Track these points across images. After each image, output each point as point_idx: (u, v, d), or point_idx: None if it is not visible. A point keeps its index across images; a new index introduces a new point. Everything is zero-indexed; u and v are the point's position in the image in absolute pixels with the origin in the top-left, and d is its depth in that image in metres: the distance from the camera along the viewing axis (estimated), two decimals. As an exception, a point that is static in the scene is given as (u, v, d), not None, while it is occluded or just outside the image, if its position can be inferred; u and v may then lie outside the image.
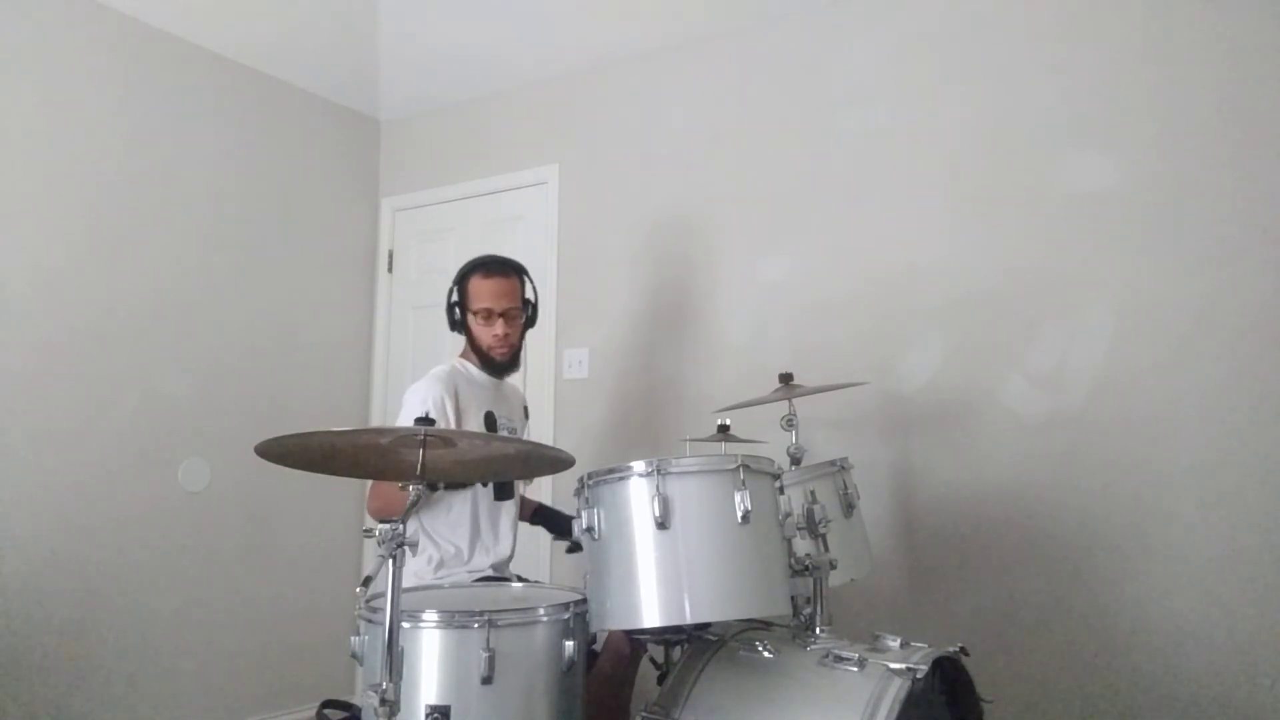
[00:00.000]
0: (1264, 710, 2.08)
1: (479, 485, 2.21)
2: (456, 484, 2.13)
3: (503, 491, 2.27)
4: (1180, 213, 2.30)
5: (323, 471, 1.53)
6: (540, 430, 3.22)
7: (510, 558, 2.29)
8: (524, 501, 2.44)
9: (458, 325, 2.29)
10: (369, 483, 2.19)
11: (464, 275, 2.27)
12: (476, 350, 2.28)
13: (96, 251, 2.85)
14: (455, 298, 2.28)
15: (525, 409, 2.46)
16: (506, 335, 2.24)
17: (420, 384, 2.19)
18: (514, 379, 2.41)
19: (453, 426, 2.12)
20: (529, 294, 2.32)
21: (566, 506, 2.24)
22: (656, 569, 1.52)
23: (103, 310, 2.85)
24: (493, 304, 2.23)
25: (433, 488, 2.10)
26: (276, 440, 1.35)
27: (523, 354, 2.34)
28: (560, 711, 1.58)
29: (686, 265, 3.06)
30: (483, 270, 2.25)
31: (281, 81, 3.47)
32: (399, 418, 2.18)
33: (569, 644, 1.59)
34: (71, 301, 2.77)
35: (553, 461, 1.61)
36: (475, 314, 2.24)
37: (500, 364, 2.27)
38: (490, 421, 2.24)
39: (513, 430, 2.33)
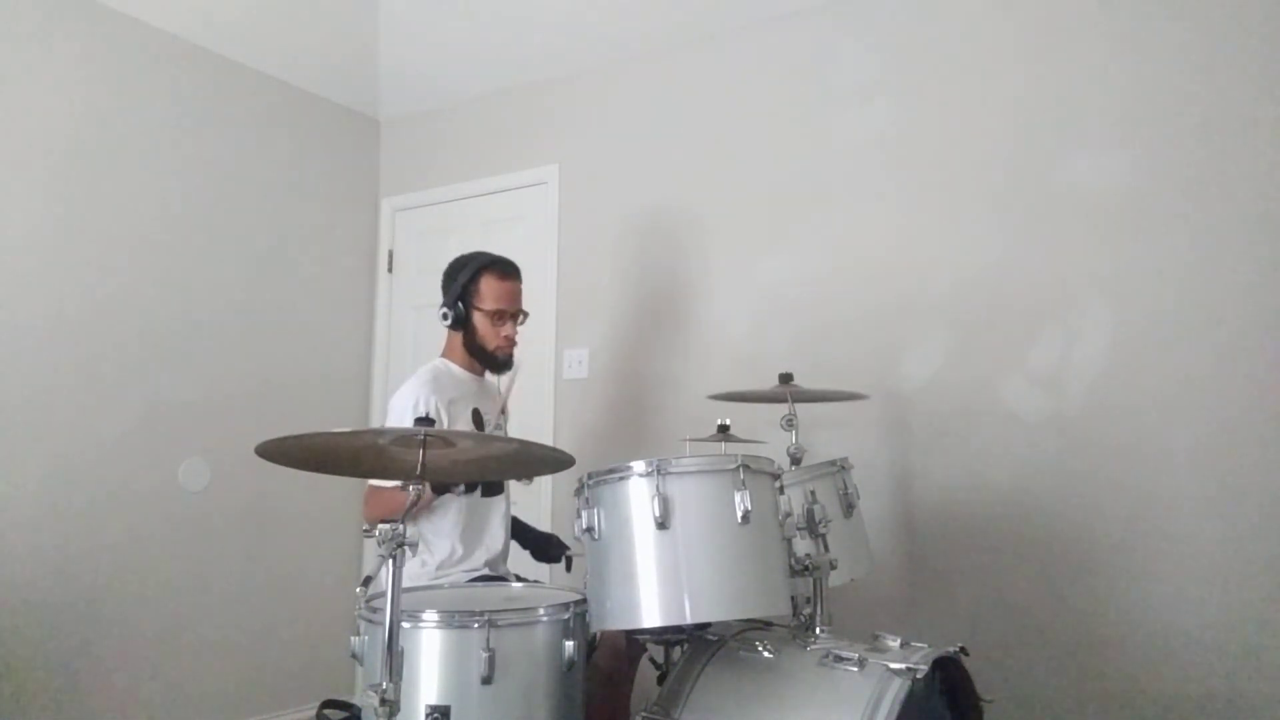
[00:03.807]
0: (1265, 709, 2.08)
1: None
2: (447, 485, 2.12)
3: (490, 489, 2.26)
4: (1180, 212, 2.30)
5: (322, 471, 1.53)
6: (540, 430, 3.22)
7: (504, 554, 2.29)
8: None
9: (460, 321, 2.26)
10: (365, 490, 2.17)
11: (476, 272, 2.25)
12: (475, 348, 2.27)
13: (95, 251, 2.85)
14: (462, 293, 2.24)
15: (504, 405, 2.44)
16: (512, 336, 2.27)
17: (407, 387, 2.17)
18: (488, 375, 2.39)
19: (444, 426, 2.12)
20: None
21: (566, 507, 2.25)
22: (656, 569, 1.52)
23: (102, 310, 2.85)
24: (508, 305, 2.26)
25: (438, 491, 2.09)
26: (277, 441, 1.35)
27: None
28: (560, 711, 1.58)
29: (686, 265, 3.06)
30: (498, 271, 2.26)
31: (281, 81, 3.47)
32: (389, 422, 2.16)
33: (569, 644, 1.59)
34: (70, 301, 2.77)
35: (552, 461, 1.61)
36: (487, 314, 2.24)
37: (503, 362, 2.28)
38: (477, 418, 2.24)
39: (498, 427, 2.33)
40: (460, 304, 2.25)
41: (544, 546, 2.41)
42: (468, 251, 2.33)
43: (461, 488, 2.16)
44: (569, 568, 2.32)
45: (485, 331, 2.25)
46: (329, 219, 3.65)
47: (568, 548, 2.33)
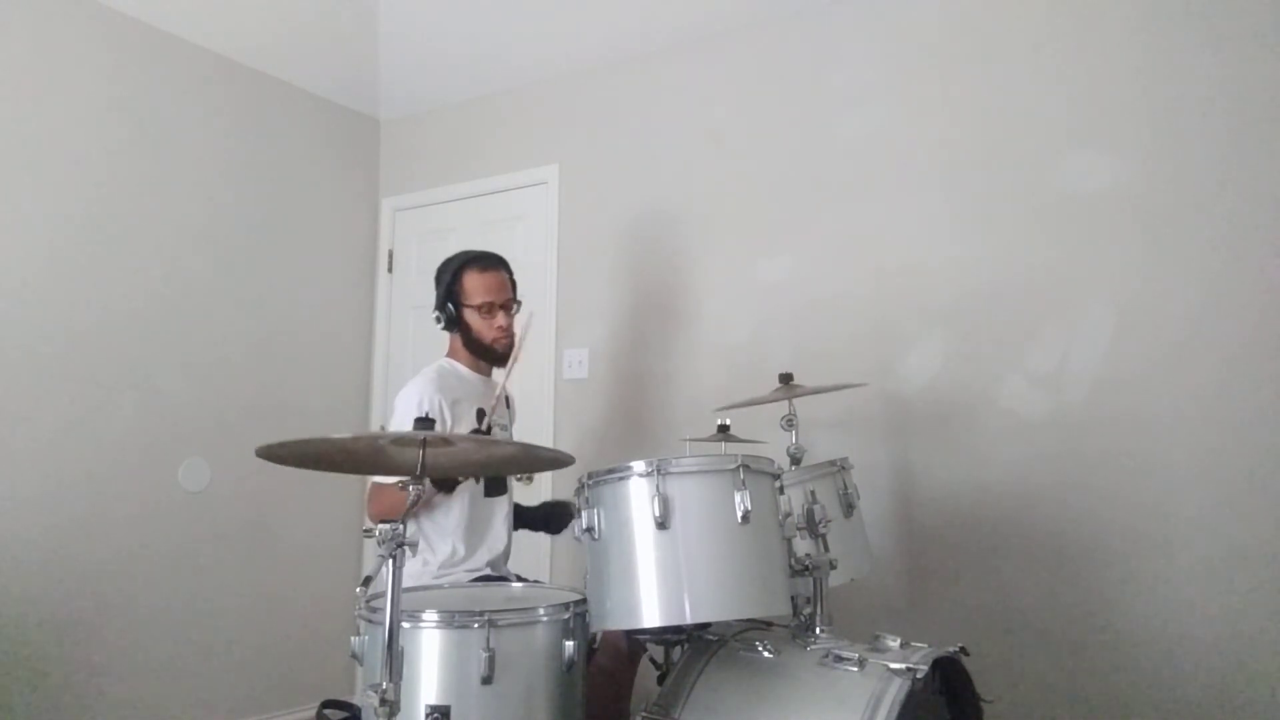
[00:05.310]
0: (1264, 711, 2.08)
1: (470, 483, 2.22)
2: (449, 484, 2.12)
3: (493, 488, 2.26)
4: (1180, 213, 2.30)
5: (323, 469, 1.53)
6: (540, 430, 3.22)
7: (506, 554, 2.29)
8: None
9: (453, 323, 2.29)
10: (368, 487, 2.19)
11: (456, 271, 2.27)
12: (475, 345, 2.28)
13: (96, 251, 2.85)
14: (448, 295, 2.27)
15: (507, 399, 2.44)
16: (507, 327, 2.28)
17: (412, 386, 2.19)
18: (494, 373, 2.40)
19: (448, 426, 2.13)
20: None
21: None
22: (656, 569, 1.52)
23: (102, 310, 2.85)
24: (494, 297, 2.26)
25: (441, 488, 2.09)
26: (278, 445, 1.35)
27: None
28: (560, 711, 1.58)
29: (686, 265, 3.06)
30: (478, 265, 2.28)
31: (281, 81, 3.47)
32: (393, 421, 2.19)
33: (569, 644, 1.59)
34: (71, 301, 2.77)
35: (552, 461, 1.61)
36: (476, 308, 2.26)
37: (502, 355, 2.29)
38: (481, 417, 2.24)
39: (503, 426, 2.33)
40: (449, 305, 2.27)
41: (547, 518, 2.42)
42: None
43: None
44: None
45: (478, 326, 2.27)
46: (329, 219, 3.65)
47: (569, 503, 2.28)
